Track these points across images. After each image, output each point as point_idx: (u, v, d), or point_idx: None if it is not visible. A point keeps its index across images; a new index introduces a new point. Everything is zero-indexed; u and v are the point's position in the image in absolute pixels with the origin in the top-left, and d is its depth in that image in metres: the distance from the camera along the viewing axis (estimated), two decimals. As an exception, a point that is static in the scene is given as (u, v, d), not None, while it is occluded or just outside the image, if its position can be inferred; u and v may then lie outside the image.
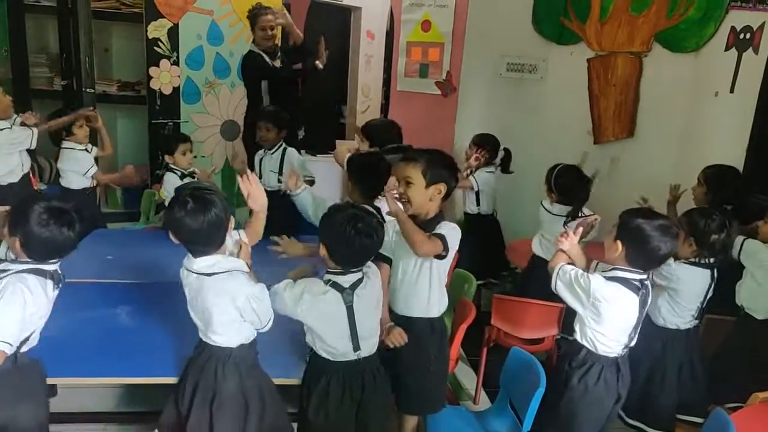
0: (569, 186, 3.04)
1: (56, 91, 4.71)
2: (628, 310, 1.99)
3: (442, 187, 2.13)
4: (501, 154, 3.84)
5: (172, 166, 3.51)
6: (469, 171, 3.74)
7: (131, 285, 2.71)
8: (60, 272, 1.87)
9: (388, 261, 2.19)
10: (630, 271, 2.00)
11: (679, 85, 3.80)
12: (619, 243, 2.00)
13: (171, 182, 3.50)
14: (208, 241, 1.85)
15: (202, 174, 3.58)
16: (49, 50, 4.87)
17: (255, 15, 4.09)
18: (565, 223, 2.96)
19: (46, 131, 3.54)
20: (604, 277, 2.01)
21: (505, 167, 3.83)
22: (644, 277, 2.01)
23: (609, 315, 1.99)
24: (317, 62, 4.17)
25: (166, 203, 3.72)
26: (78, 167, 3.66)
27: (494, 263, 3.85)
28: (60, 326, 1.99)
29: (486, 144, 3.79)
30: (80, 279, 2.74)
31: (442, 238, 2.04)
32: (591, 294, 1.97)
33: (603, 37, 4.14)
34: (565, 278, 2.07)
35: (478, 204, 3.81)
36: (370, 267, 2.00)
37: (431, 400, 2.26)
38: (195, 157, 3.68)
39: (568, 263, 2.14)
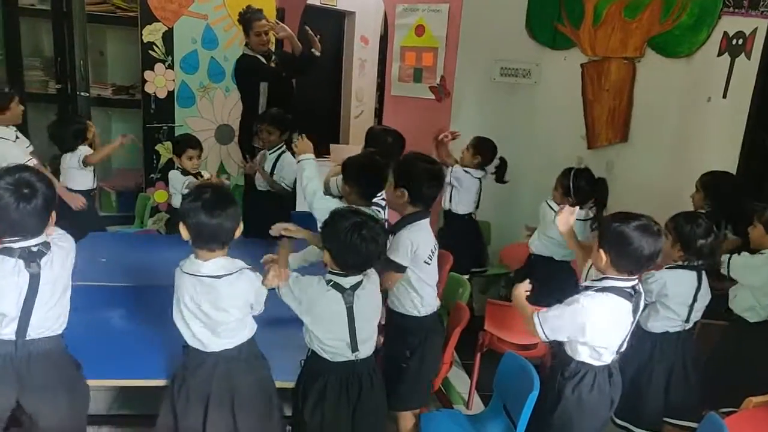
0: (590, 189, 3.06)
1: (51, 95, 4.70)
2: (621, 318, 1.97)
3: (404, 192, 2.25)
4: (496, 162, 3.76)
5: (178, 166, 3.57)
6: (445, 138, 3.68)
7: (125, 288, 2.71)
8: (41, 249, 1.78)
9: (402, 269, 2.23)
10: (620, 279, 1.96)
11: (672, 91, 3.82)
12: (602, 251, 1.96)
13: (176, 179, 3.62)
14: (216, 240, 1.86)
15: (218, 182, 3.68)
16: (44, 54, 4.85)
17: (249, 20, 4.01)
18: (593, 229, 3.02)
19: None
20: (594, 289, 1.97)
21: (499, 176, 3.74)
22: (635, 282, 1.99)
23: (603, 330, 1.96)
24: (313, 50, 4.10)
25: (172, 200, 3.79)
26: (73, 161, 3.70)
27: (471, 260, 3.76)
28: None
29: (481, 149, 3.75)
30: (73, 282, 2.74)
31: (389, 263, 2.18)
32: (584, 325, 1.93)
33: (596, 42, 4.16)
34: (551, 324, 1.98)
35: (450, 200, 3.71)
36: (370, 273, 2.01)
37: (405, 396, 2.29)
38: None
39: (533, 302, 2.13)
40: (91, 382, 1.99)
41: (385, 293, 2.28)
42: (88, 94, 4.83)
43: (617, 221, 1.95)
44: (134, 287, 2.70)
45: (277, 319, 2.39)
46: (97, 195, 4.07)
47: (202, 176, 3.66)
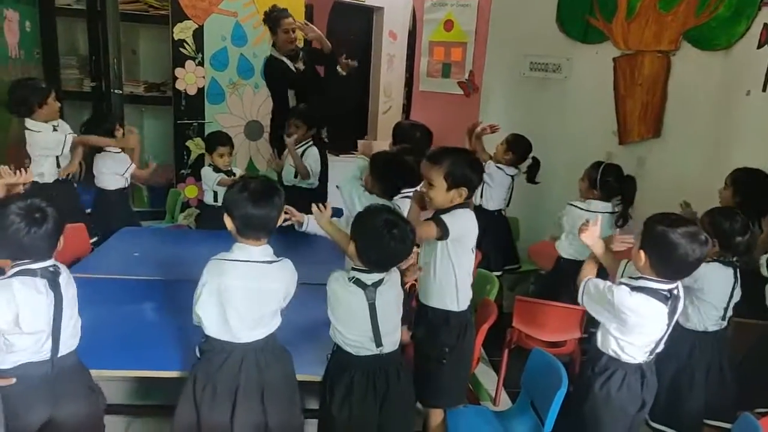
0: (617, 185, 3.02)
1: (86, 93, 4.80)
2: (656, 320, 1.93)
3: (463, 191, 2.14)
4: (528, 161, 3.72)
5: (210, 163, 3.63)
6: (483, 131, 3.64)
7: (156, 281, 2.76)
8: (56, 268, 1.83)
9: (446, 235, 2.15)
10: (658, 281, 1.92)
11: (708, 84, 3.72)
12: (642, 252, 1.91)
13: (208, 176, 3.72)
14: (264, 229, 1.90)
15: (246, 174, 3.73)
16: (79, 52, 4.97)
17: (276, 18, 4.01)
18: (618, 226, 2.97)
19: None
20: (630, 286, 1.93)
21: (531, 177, 3.70)
22: (673, 286, 1.93)
23: (635, 326, 1.93)
24: (339, 68, 4.12)
25: (204, 197, 3.86)
26: (117, 168, 3.77)
27: (502, 257, 3.74)
28: (86, 320, 2.02)
29: (515, 146, 3.70)
30: (108, 275, 2.81)
31: (437, 220, 2.11)
32: (616, 307, 1.92)
33: (630, 36, 4.08)
34: (591, 292, 2.03)
35: (481, 196, 3.68)
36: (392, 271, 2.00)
37: (446, 393, 2.27)
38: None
39: (597, 275, 2.10)
40: (123, 373, 2.04)
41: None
42: (121, 92, 4.92)
43: (664, 224, 1.88)
44: (165, 281, 2.75)
45: (304, 313, 2.42)
46: (129, 191, 4.16)
47: (233, 174, 3.71)
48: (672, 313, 1.94)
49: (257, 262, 1.89)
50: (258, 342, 1.93)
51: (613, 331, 1.99)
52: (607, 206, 3.04)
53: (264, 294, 1.90)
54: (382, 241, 1.86)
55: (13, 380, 1.77)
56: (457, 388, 2.32)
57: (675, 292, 1.94)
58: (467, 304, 2.29)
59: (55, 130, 3.43)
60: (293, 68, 4.12)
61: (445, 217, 2.13)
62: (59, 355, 1.82)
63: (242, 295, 1.87)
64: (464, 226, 2.17)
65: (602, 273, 2.20)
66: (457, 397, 2.33)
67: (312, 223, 2.59)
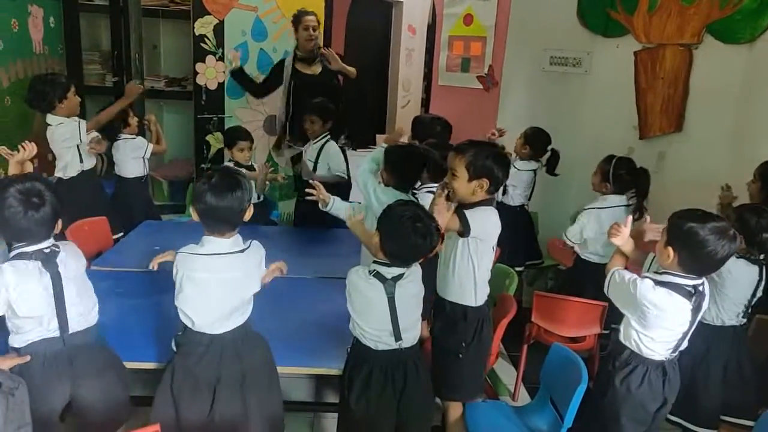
0: (630, 177, 3.01)
1: (108, 88, 4.86)
2: (679, 316, 1.92)
3: (485, 183, 2.13)
4: (547, 154, 3.73)
5: (231, 159, 3.65)
6: (492, 136, 3.64)
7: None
8: (53, 249, 1.84)
9: (467, 232, 2.15)
10: (683, 277, 1.90)
11: (732, 78, 3.67)
12: (670, 249, 1.89)
13: None
14: (227, 222, 1.89)
15: (264, 167, 3.74)
16: (102, 48, 5.03)
17: (299, 15, 4.16)
18: (635, 220, 2.94)
19: (103, 125, 3.62)
20: (655, 281, 1.92)
21: (550, 169, 3.71)
22: (699, 282, 1.92)
23: (657, 321, 1.92)
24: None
25: None
26: (137, 153, 3.84)
27: (524, 252, 3.75)
28: (107, 313, 2.06)
29: (532, 140, 3.71)
30: (128, 268, 2.85)
31: (459, 215, 2.11)
32: (638, 300, 1.91)
33: (651, 29, 4.03)
34: (617, 282, 2.02)
35: (504, 193, 3.70)
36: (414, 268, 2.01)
37: (462, 387, 2.28)
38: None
39: (625, 266, 2.08)
40: (143, 365, 2.08)
41: (432, 283, 2.28)
42: (142, 87, 4.98)
43: (692, 221, 1.86)
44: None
45: (324, 307, 2.44)
46: (150, 183, 4.20)
47: (254, 168, 3.73)
48: (696, 309, 1.92)
49: (226, 254, 1.89)
50: (235, 331, 1.93)
51: (635, 324, 1.98)
52: (622, 199, 3.05)
53: (237, 283, 1.91)
54: (405, 235, 1.87)
55: (28, 358, 1.82)
56: (474, 382, 2.34)
57: (700, 288, 1.92)
58: (485, 299, 2.30)
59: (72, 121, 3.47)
60: (305, 72, 4.16)
61: (468, 213, 2.13)
62: (71, 332, 1.86)
63: (215, 285, 1.88)
64: (486, 225, 2.17)
65: None
66: (473, 390, 2.34)
67: (337, 204, 2.60)
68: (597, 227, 3.05)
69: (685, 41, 3.88)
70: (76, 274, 1.91)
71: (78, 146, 3.43)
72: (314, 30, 4.13)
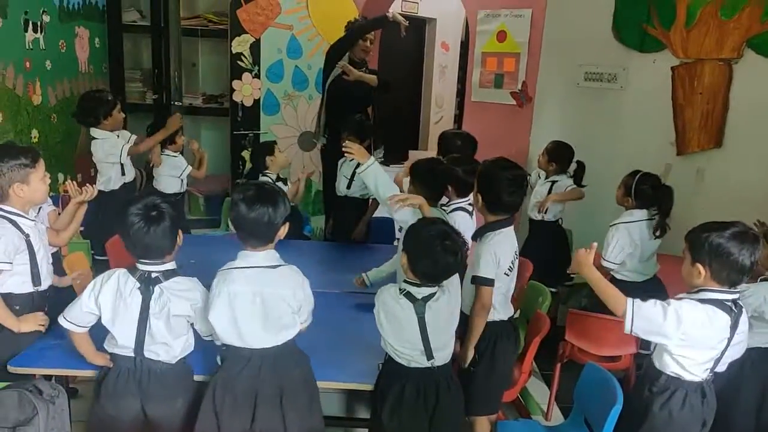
0: (651, 192, 2.99)
1: (148, 105, 5.01)
2: (717, 331, 1.87)
3: (478, 198, 2.27)
4: (573, 166, 3.73)
5: (266, 171, 3.70)
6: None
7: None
8: (159, 277, 1.95)
9: (490, 283, 2.19)
10: (720, 291, 1.87)
11: (773, 93, 3.58)
12: (699, 266, 1.87)
13: None
14: (256, 233, 1.89)
15: (307, 172, 3.75)
16: (143, 66, 5.19)
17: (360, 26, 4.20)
18: (656, 236, 2.96)
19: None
20: (695, 299, 1.88)
21: (577, 180, 3.71)
22: (736, 296, 1.89)
23: (700, 339, 1.87)
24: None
25: None
26: (176, 171, 3.94)
27: (559, 270, 3.72)
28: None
29: (556, 156, 3.74)
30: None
31: (476, 279, 2.18)
32: (682, 323, 1.83)
33: (689, 44, 3.96)
34: (645, 314, 1.87)
35: (539, 211, 3.73)
36: (451, 281, 1.98)
37: (476, 401, 2.25)
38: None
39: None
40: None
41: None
42: (180, 104, 5.12)
43: (711, 232, 1.86)
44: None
45: (355, 322, 2.45)
46: (186, 199, 4.29)
47: (285, 180, 3.76)
48: (734, 327, 1.88)
49: (260, 267, 1.90)
50: (276, 348, 1.93)
51: (674, 349, 1.91)
52: (645, 213, 3.03)
53: (270, 298, 1.89)
54: (435, 255, 1.86)
55: (111, 364, 1.94)
56: (487, 398, 2.31)
57: (739, 302, 1.90)
58: (502, 317, 2.29)
59: (117, 137, 3.59)
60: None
61: (478, 269, 2.17)
62: (147, 357, 1.91)
63: (250, 299, 1.88)
64: (494, 251, 2.19)
65: (661, 294, 2.12)
66: (486, 406, 2.31)
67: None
68: (629, 241, 3.01)
69: (725, 56, 3.80)
70: (170, 315, 1.92)
71: (122, 164, 3.55)
72: (371, 43, 4.24)
